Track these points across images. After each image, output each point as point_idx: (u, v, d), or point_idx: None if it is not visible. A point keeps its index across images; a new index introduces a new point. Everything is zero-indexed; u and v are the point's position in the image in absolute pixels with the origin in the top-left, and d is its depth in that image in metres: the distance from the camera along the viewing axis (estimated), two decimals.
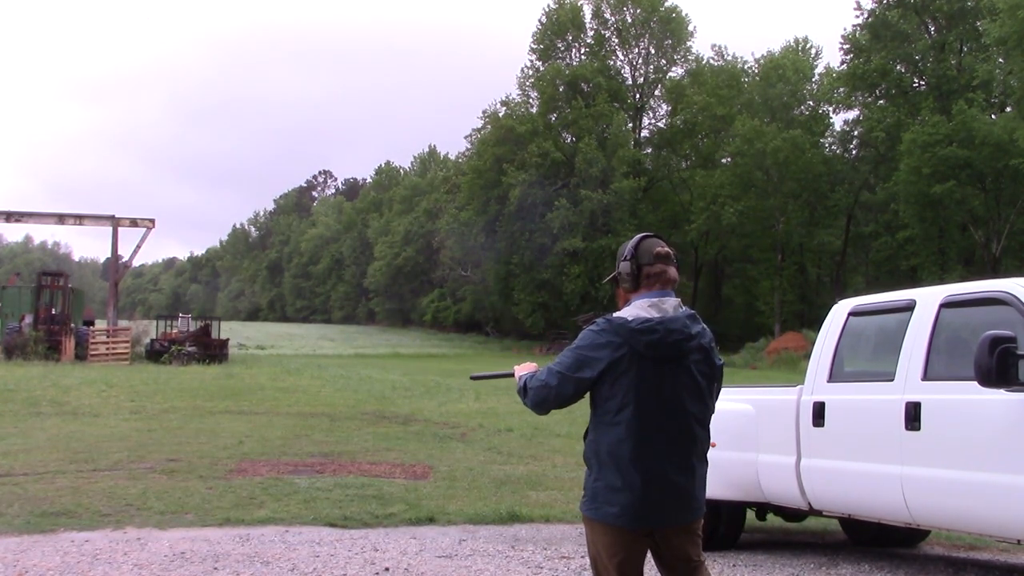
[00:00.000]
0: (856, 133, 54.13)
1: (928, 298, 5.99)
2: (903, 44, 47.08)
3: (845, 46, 49.39)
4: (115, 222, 36.69)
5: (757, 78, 57.81)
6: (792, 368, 34.97)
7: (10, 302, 35.77)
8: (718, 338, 3.47)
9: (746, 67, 60.82)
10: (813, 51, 58.05)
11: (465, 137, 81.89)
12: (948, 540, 7.60)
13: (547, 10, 66.41)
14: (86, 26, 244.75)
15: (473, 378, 4.31)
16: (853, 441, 6.12)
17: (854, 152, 55.55)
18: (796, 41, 58.39)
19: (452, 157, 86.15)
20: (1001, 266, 40.49)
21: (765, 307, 54.63)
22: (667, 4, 63.73)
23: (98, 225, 39.20)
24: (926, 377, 5.69)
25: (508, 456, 11.87)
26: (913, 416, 5.61)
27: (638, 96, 67.24)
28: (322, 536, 6.99)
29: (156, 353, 33.95)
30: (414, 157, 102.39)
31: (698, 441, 3.28)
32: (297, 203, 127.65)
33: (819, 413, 6.35)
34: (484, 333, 76.16)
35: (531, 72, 66.76)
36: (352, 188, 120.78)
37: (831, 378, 6.47)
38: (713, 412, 3.36)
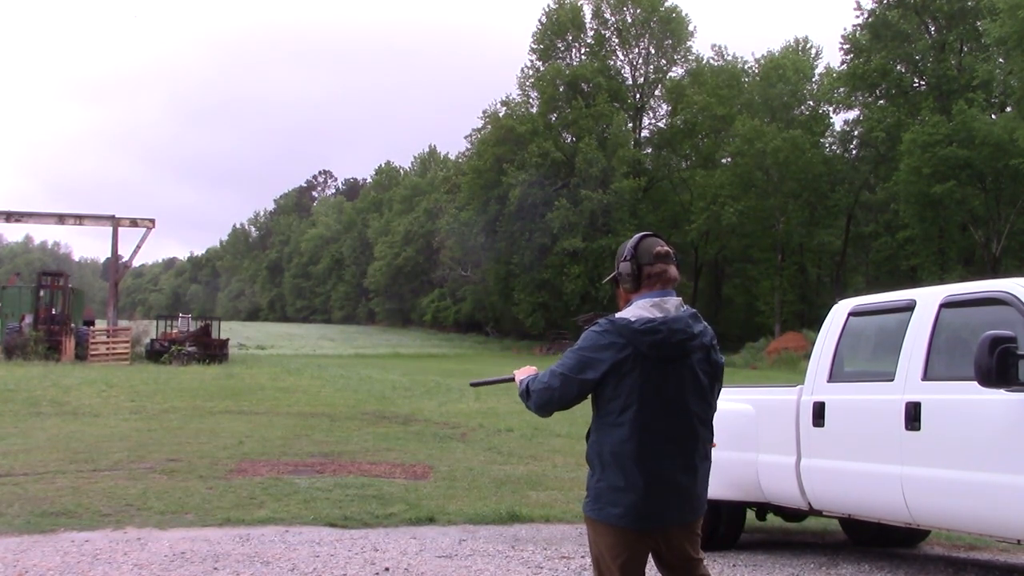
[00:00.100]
0: (856, 133, 54.17)
1: (928, 298, 5.99)
2: (903, 44, 47.10)
3: (845, 46, 49.44)
4: (115, 222, 36.69)
5: (757, 78, 57.87)
6: (792, 368, 34.98)
7: (10, 302, 35.74)
8: (718, 338, 3.47)
9: (746, 67, 60.90)
10: (813, 51, 58.17)
11: (465, 137, 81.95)
12: (948, 540, 7.60)
13: (547, 10, 66.46)
14: (86, 26, 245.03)
15: (473, 385, 4.29)
16: (853, 441, 6.12)
17: (854, 152, 55.58)
18: (796, 41, 58.55)
19: (452, 157, 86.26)
20: (1001, 266, 40.49)
21: (765, 307, 54.66)
22: (667, 4, 63.77)
23: (98, 225, 39.20)
24: (926, 377, 5.69)
25: (508, 456, 11.86)
26: (913, 416, 5.61)
27: (638, 96, 67.26)
28: (322, 536, 6.99)
29: (156, 353, 33.95)
30: (414, 157, 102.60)
31: (701, 440, 3.28)
32: (297, 203, 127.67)
33: (819, 413, 6.35)
34: (484, 333, 76.17)
35: (531, 72, 66.81)
36: (352, 188, 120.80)
37: (831, 378, 6.47)
38: (715, 411, 3.36)
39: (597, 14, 66.17)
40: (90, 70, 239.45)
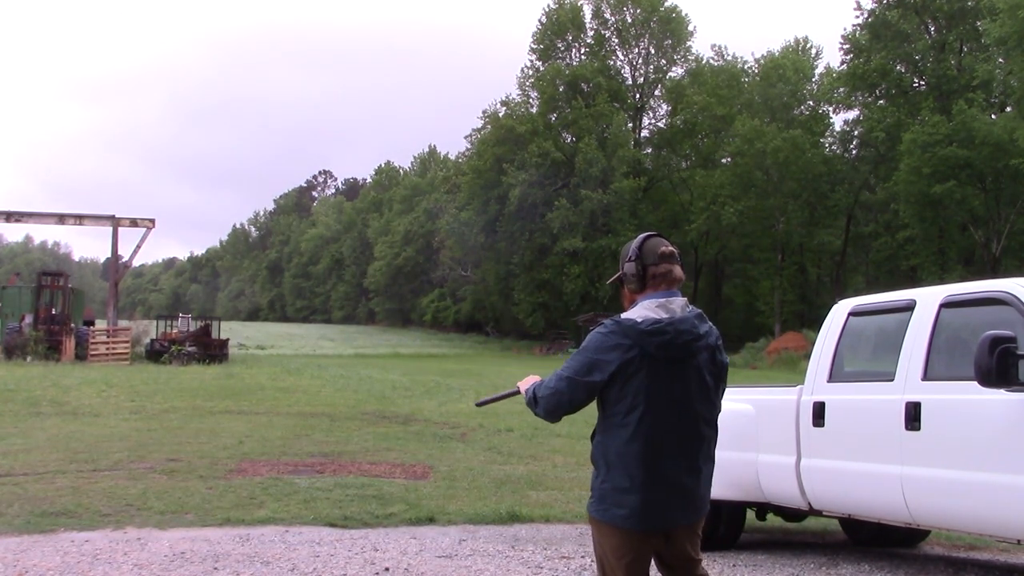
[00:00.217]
0: (856, 133, 54.17)
1: (928, 298, 5.99)
2: (903, 44, 47.10)
3: (845, 46, 49.45)
4: (115, 222, 36.67)
5: (757, 78, 57.87)
6: (792, 368, 34.99)
7: (10, 302, 35.74)
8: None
9: (746, 67, 60.91)
10: (813, 51, 58.18)
11: (465, 137, 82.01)
12: (948, 540, 7.60)
13: (547, 10, 66.48)
14: (86, 26, 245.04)
15: (478, 404, 4.28)
16: (853, 441, 6.12)
17: (854, 152, 55.58)
18: (796, 41, 58.53)
19: (452, 157, 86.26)
20: (1001, 266, 40.49)
21: (765, 307, 54.68)
22: (667, 4, 63.78)
23: (98, 225, 39.17)
24: (926, 377, 5.69)
25: (508, 456, 11.86)
26: (913, 416, 5.61)
27: (638, 96, 67.27)
28: (322, 536, 6.98)
29: (156, 353, 33.94)
30: (414, 157, 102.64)
31: (706, 441, 3.28)
32: (297, 203, 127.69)
33: (819, 413, 6.35)
34: (484, 333, 76.19)
35: (531, 72, 66.84)
36: (352, 188, 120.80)
37: (831, 378, 6.47)
38: (720, 411, 3.36)
39: (597, 14, 66.20)
40: (90, 70, 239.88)
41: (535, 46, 66.90)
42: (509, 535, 7.27)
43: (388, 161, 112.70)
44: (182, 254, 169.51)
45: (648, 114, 68.16)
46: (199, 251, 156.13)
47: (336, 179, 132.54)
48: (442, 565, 6.17)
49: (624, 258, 3.34)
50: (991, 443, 5.23)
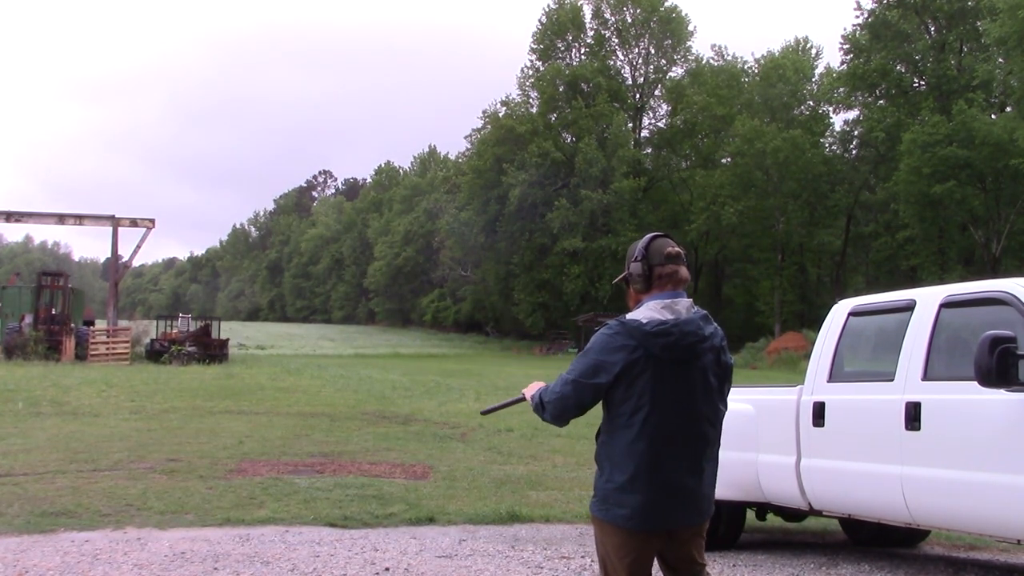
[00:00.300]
0: (856, 133, 54.17)
1: (928, 298, 5.98)
2: (903, 44, 47.10)
3: (845, 46, 49.44)
4: (115, 222, 36.67)
5: (757, 78, 57.87)
6: (792, 368, 35.00)
7: (10, 302, 35.74)
8: None
9: (746, 67, 60.91)
10: (813, 51, 58.16)
11: (465, 137, 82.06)
12: (948, 540, 7.60)
13: (547, 10, 66.49)
14: (86, 26, 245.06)
15: (484, 413, 4.28)
16: (853, 441, 6.12)
17: (854, 152, 55.58)
18: (796, 41, 58.51)
19: (452, 157, 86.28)
20: (1001, 266, 40.50)
21: (765, 307, 54.67)
22: (667, 4, 63.78)
23: (98, 225, 39.17)
24: (926, 377, 5.69)
25: (508, 456, 11.86)
26: (913, 416, 5.61)
27: (638, 96, 67.28)
28: (322, 536, 6.98)
29: (156, 353, 33.93)
30: (414, 157, 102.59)
31: (710, 442, 3.27)
32: (297, 203, 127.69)
33: (819, 413, 6.35)
34: (484, 333, 76.19)
35: (531, 72, 66.84)
36: (352, 188, 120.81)
37: (831, 378, 6.47)
38: (725, 412, 3.35)
39: (597, 14, 66.21)
40: (90, 70, 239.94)
41: (535, 46, 66.92)
42: (509, 535, 7.27)
43: (388, 161, 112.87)
44: (182, 254, 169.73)
45: (648, 114, 68.23)
46: (199, 251, 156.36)
47: (336, 179, 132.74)
48: (442, 565, 6.17)
49: (630, 258, 3.33)
50: (991, 443, 5.22)
